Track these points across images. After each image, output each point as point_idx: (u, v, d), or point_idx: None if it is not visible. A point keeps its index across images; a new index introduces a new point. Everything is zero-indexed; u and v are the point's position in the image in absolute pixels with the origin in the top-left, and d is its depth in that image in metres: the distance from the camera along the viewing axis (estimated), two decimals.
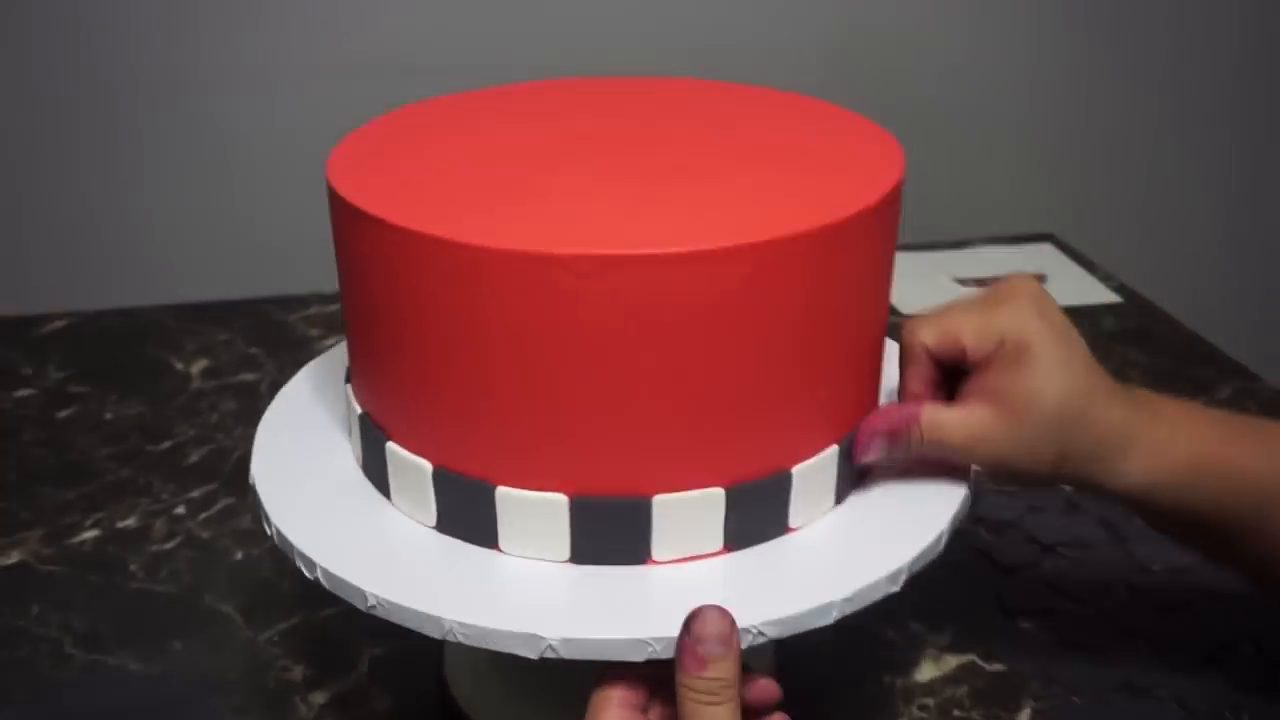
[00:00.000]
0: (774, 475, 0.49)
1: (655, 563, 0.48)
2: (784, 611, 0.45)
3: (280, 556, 0.71)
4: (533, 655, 0.45)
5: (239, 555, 0.74)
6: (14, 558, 0.73)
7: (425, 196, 0.48)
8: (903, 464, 0.53)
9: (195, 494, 0.80)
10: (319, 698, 0.63)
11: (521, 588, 0.47)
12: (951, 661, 0.65)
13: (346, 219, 0.49)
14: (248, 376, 0.93)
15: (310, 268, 1.13)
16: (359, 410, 0.53)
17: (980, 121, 1.28)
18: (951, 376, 0.53)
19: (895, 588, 0.48)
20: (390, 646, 0.66)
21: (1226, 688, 0.63)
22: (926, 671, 0.65)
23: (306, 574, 0.50)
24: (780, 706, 0.60)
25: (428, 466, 0.49)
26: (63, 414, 0.89)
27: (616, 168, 0.51)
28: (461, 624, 0.45)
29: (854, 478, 0.53)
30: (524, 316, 0.44)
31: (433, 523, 0.51)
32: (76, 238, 1.13)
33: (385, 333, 0.49)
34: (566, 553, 0.48)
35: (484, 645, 0.45)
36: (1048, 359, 0.49)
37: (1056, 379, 0.49)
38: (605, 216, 0.46)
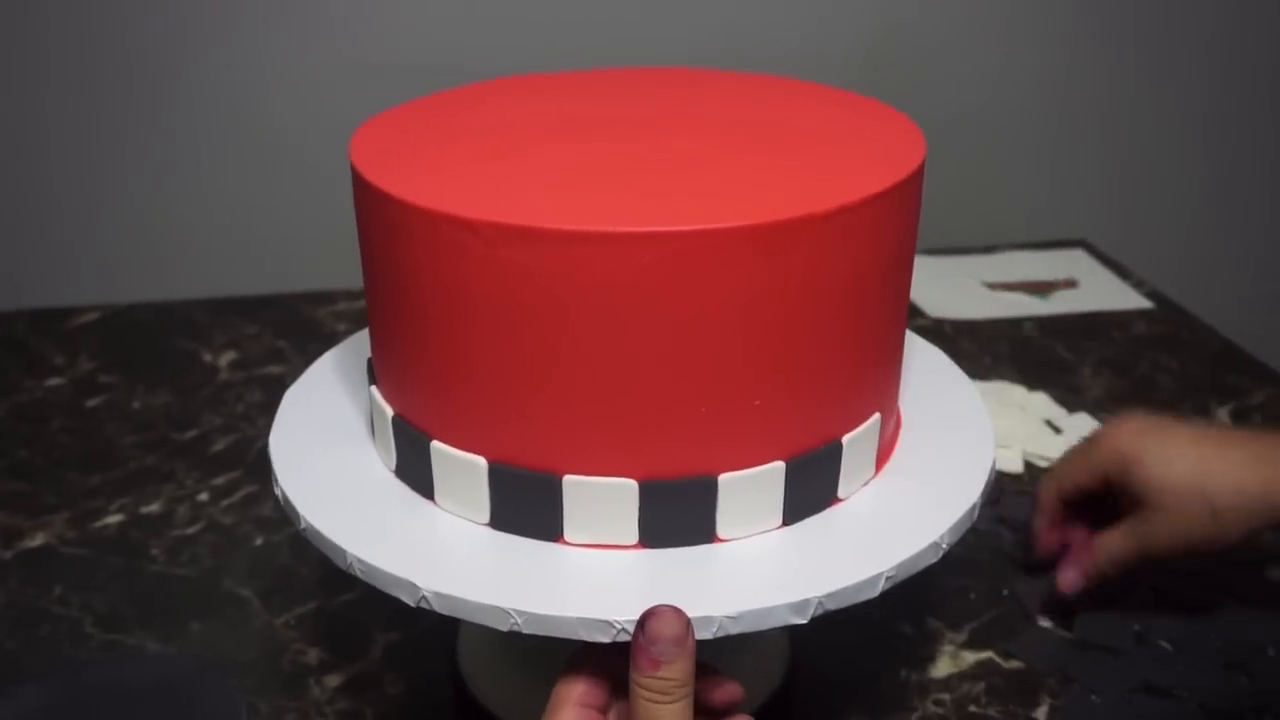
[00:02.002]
0: (827, 446, 0.50)
1: (720, 540, 0.49)
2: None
3: (300, 544, 0.72)
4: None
5: (259, 541, 0.74)
6: (39, 540, 0.74)
7: (437, 174, 0.48)
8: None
9: (219, 481, 0.80)
10: (333, 680, 0.63)
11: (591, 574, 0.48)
12: (969, 658, 0.65)
13: (377, 208, 0.48)
14: (274, 369, 0.94)
15: (340, 264, 1.14)
16: (391, 413, 0.52)
17: (1012, 125, 1.27)
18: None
19: (935, 559, 0.49)
20: (405, 633, 0.67)
21: (1250, 690, 0.62)
22: (943, 667, 0.64)
23: (355, 572, 0.49)
24: (790, 698, 0.60)
25: (482, 463, 0.48)
26: (92, 403, 0.90)
27: (638, 148, 0.51)
28: (539, 615, 0.45)
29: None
30: (576, 298, 0.44)
31: (486, 520, 0.50)
32: (110, 233, 1.15)
33: (406, 315, 0.49)
34: (635, 537, 0.48)
35: (566, 635, 0.45)
36: (1155, 452, 0.62)
37: (1175, 457, 0.61)
38: (602, 194, 0.46)
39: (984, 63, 1.24)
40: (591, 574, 0.47)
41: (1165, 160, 1.32)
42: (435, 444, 0.49)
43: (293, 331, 1.00)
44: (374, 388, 0.54)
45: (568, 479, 0.47)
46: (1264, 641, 0.65)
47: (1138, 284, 1.08)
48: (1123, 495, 0.64)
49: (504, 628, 0.45)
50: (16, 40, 1.06)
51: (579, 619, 0.44)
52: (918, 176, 0.50)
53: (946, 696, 0.62)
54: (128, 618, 0.68)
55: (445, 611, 0.46)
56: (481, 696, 0.61)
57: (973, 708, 0.61)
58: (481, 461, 0.48)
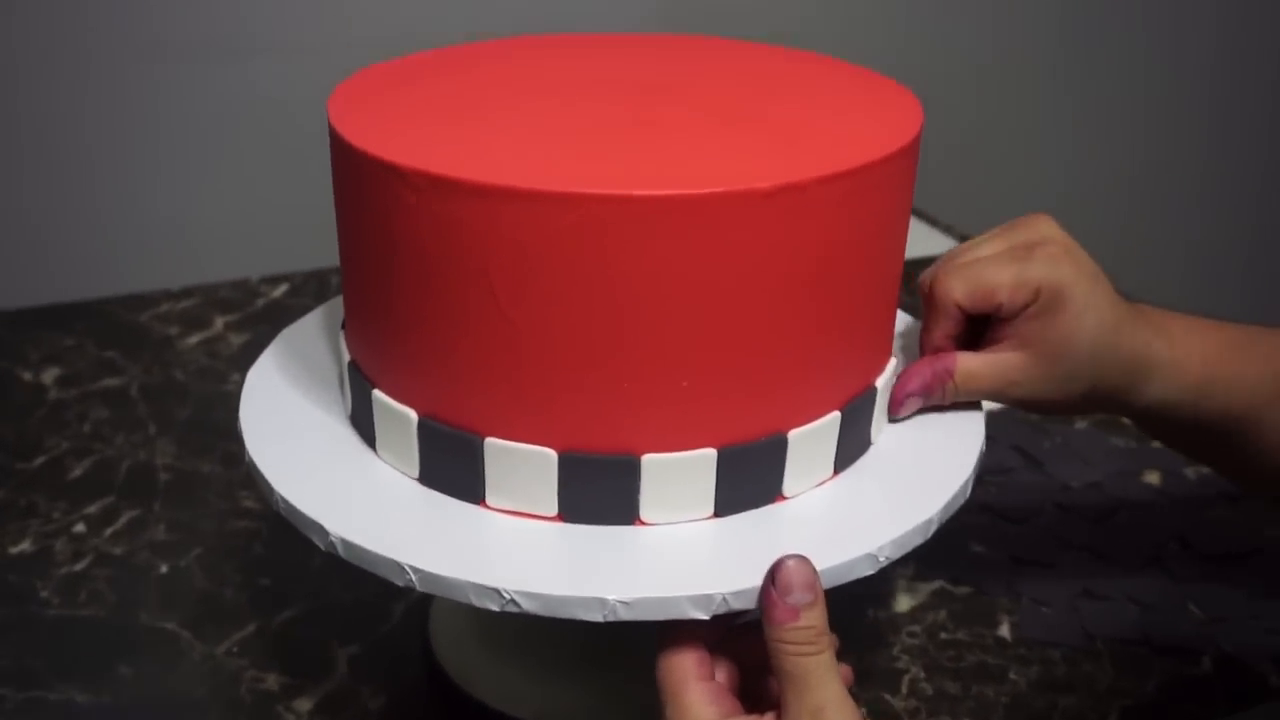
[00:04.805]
0: (769, 439, 0.47)
1: (643, 523, 0.47)
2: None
3: (213, 565, 0.67)
4: (494, 607, 0.43)
5: (164, 569, 0.67)
6: None
7: (396, 124, 0.47)
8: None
9: (91, 509, 0.72)
10: (304, 704, 0.59)
11: (505, 542, 0.46)
12: (924, 589, 0.68)
13: (346, 159, 0.47)
14: (111, 382, 0.85)
15: (155, 264, 1.05)
16: (348, 358, 0.52)
17: None
18: (975, 320, 0.54)
19: (871, 570, 0.46)
20: (365, 644, 0.63)
21: (1169, 582, 0.68)
22: (904, 602, 0.67)
23: (275, 507, 0.49)
24: None
25: (413, 416, 0.48)
26: None
27: (619, 111, 0.49)
28: (432, 574, 0.43)
29: (854, 448, 0.51)
30: (505, 259, 0.42)
31: (416, 474, 0.49)
32: None
33: (369, 276, 0.48)
34: (554, 509, 0.47)
35: (456, 598, 0.44)
36: (1080, 302, 0.51)
37: (1090, 320, 0.51)
38: (603, 159, 0.44)
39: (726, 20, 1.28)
40: (500, 540, 0.46)
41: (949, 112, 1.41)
42: (376, 393, 0.49)
43: (117, 341, 0.91)
44: (341, 334, 0.53)
45: (489, 441, 0.46)
46: (1167, 537, 0.72)
47: (946, 229, 1.16)
48: (1008, 318, 0.52)
49: (400, 583, 0.44)
50: None
51: (470, 583, 0.43)
52: (892, 159, 0.46)
53: (917, 627, 0.65)
54: (38, 670, 0.60)
55: (350, 559, 0.45)
56: (464, 683, 0.58)
57: (943, 634, 0.64)
58: (412, 415, 0.48)
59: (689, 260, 0.42)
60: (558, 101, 0.50)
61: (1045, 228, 0.53)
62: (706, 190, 0.41)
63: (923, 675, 0.62)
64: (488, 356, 0.44)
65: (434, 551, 0.45)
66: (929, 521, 0.48)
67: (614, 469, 0.45)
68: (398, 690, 0.60)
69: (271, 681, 0.60)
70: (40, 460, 0.76)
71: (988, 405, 0.56)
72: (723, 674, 0.46)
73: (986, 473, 0.78)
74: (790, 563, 0.42)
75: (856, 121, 0.49)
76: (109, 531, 0.70)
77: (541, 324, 0.43)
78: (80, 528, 0.70)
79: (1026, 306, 0.52)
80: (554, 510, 0.47)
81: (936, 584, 0.68)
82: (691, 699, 0.42)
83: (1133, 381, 0.53)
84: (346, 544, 0.45)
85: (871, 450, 0.52)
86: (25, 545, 0.69)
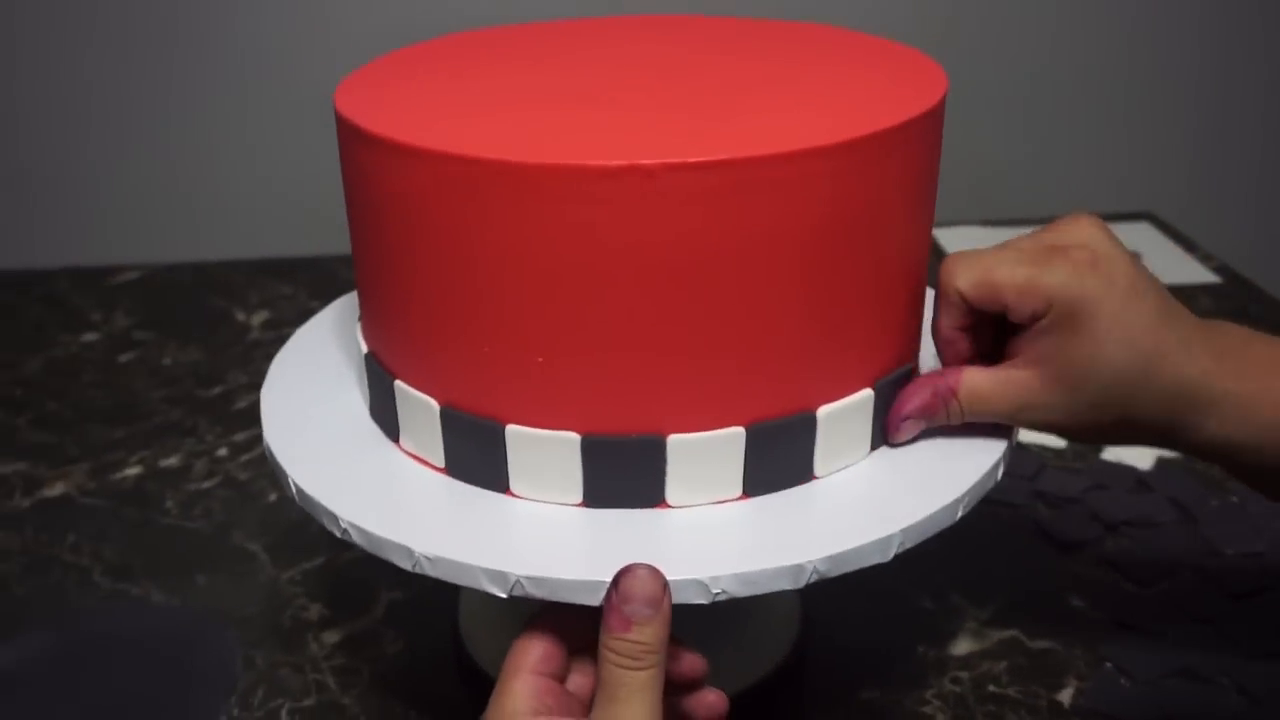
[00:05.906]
0: (797, 415, 0.45)
1: (668, 506, 0.46)
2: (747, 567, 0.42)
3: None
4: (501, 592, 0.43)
5: (273, 497, 0.73)
6: (58, 489, 0.74)
7: (426, 116, 0.46)
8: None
9: (239, 437, 0.80)
10: (332, 637, 0.62)
11: (528, 529, 0.45)
12: (993, 636, 0.61)
13: (346, 139, 0.47)
14: None
15: None
16: (365, 350, 0.52)
17: (1078, 92, 1.22)
18: (999, 322, 0.49)
19: (884, 558, 0.44)
20: (409, 592, 0.65)
21: None
22: (964, 645, 0.61)
23: (293, 496, 0.49)
24: (800, 670, 0.57)
25: (435, 405, 0.47)
26: (123, 358, 0.90)
27: (637, 90, 0.48)
28: (438, 558, 0.43)
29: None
30: (518, 234, 0.42)
31: (442, 464, 0.48)
32: (154, 195, 1.15)
33: (384, 261, 0.47)
34: (579, 495, 0.46)
35: (466, 583, 0.43)
36: (1105, 323, 0.44)
37: (1113, 346, 0.45)
38: (615, 132, 0.43)
39: (1046, 27, 1.19)
40: (516, 525, 0.45)
41: (1236, 131, 1.26)
42: (397, 384, 0.48)
43: (328, 293, 0.99)
44: (358, 326, 0.53)
45: (511, 429, 0.45)
46: None
47: (1204, 258, 1.03)
48: (1020, 327, 0.47)
49: (409, 567, 0.44)
50: (59, 3, 1.07)
51: (479, 567, 0.42)
52: (938, 108, 0.46)
53: (965, 674, 0.59)
54: (135, 568, 0.67)
55: (364, 545, 0.45)
56: (480, 658, 0.59)
57: (992, 687, 0.58)
58: (434, 404, 0.47)
59: (688, 230, 0.41)
60: (562, 79, 0.50)
61: (1083, 231, 0.47)
62: (685, 160, 0.40)
63: None
64: (505, 342, 0.44)
65: (442, 536, 0.44)
66: (956, 502, 0.46)
67: (639, 450, 0.45)
68: (419, 639, 0.62)
69: (314, 611, 0.64)
70: (217, 390, 0.85)
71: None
72: (584, 676, 0.44)
73: (1125, 524, 0.69)
74: (641, 572, 0.40)
75: (867, 93, 0.47)
76: (244, 459, 0.77)
77: (551, 306, 0.43)
78: (222, 452, 0.78)
79: (1037, 318, 0.46)
80: (578, 496, 0.46)
81: (1010, 632, 0.61)
82: (514, 688, 0.41)
83: (1182, 416, 0.46)
84: (359, 529, 0.45)
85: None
86: (173, 460, 0.77)
